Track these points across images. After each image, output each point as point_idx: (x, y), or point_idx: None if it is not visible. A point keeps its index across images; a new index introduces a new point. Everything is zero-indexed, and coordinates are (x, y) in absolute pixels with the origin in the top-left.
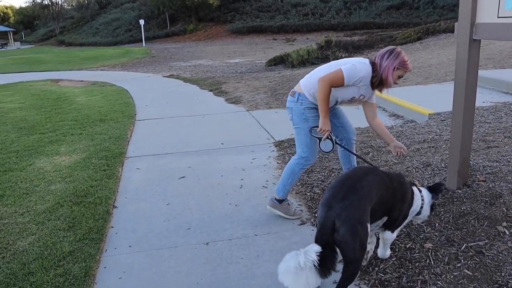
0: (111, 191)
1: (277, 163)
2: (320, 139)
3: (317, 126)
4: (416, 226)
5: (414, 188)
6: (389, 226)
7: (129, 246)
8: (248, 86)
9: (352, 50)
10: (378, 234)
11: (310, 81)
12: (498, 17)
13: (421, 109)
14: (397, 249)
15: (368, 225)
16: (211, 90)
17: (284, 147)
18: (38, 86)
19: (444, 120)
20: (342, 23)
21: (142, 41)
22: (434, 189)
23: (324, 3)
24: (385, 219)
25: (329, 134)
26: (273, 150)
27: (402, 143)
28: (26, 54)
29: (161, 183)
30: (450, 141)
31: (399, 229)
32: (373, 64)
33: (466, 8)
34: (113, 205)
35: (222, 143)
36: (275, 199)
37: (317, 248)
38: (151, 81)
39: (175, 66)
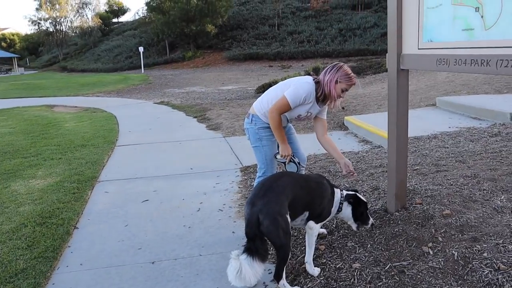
0: (76, 213)
1: (239, 187)
2: (284, 163)
3: (278, 153)
4: (350, 247)
5: (337, 189)
6: (313, 219)
7: (80, 264)
8: (230, 113)
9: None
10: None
11: (262, 101)
12: (418, 48)
13: (387, 135)
14: (327, 269)
15: (288, 217)
16: (195, 117)
17: (249, 172)
18: (32, 112)
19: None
20: (337, 50)
21: (141, 68)
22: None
23: (320, 31)
24: (307, 213)
25: (292, 157)
26: (238, 175)
27: (359, 168)
28: (27, 80)
29: (124, 206)
30: (388, 166)
31: (323, 222)
32: (317, 81)
33: (393, 40)
34: (75, 226)
35: (191, 168)
36: None
37: (234, 253)
38: (141, 108)
39: (168, 93)
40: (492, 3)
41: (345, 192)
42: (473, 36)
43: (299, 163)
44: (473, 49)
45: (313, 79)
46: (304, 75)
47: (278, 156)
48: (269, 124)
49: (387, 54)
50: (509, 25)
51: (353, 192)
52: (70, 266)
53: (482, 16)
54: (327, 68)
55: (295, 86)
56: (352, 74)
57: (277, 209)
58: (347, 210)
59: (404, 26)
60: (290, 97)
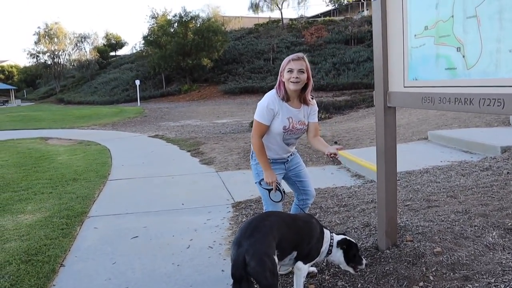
0: (63, 249)
1: (230, 224)
2: (269, 190)
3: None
4: (340, 286)
5: (326, 230)
6: (302, 259)
7: None
8: (224, 147)
9: (333, 110)
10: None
11: None
12: (404, 86)
13: None
14: None
15: (275, 257)
16: (189, 151)
17: (241, 208)
18: (26, 144)
19: (399, 180)
20: (331, 83)
21: (137, 101)
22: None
23: (314, 65)
24: (295, 253)
25: (277, 185)
26: (229, 211)
27: (350, 203)
28: (24, 112)
29: (113, 243)
30: (377, 203)
31: (311, 263)
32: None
33: (379, 78)
34: (61, 264)
35: (183, 204)
36: None
37: None
38: (135, 141)
39: (163, 126)
40: (472, 43)
41: (334, 235)
42: (456, 75)
43: (284, 191)
44: (456, 87)
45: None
46: None
47: (263, 183)
48: (268, 159)
49: (374, 91)
50: (490, 64)
51: (343, 236)
52: None
53: (463, 56)
54: None
55: (258, 104)
56: (289, 56)
57: (264, 249)
58: (337, 253)
59: (390, 65)
60: (258, 115)
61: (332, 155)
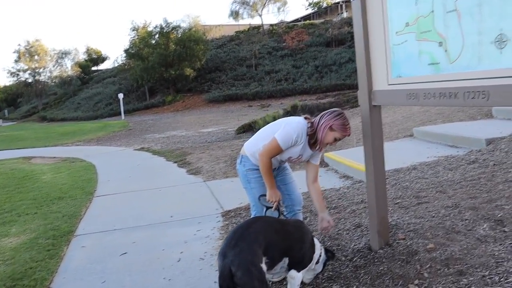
0: (50, 271)
1: (220, 233)
2: (267, 208)
3: (265, 195)
4: None
5: (315, 238)
6: (295, 266)
7: None
8: (211, 155)
9: (318, 113)
10: None
11: (252, 142)
12: (388, 84)
13: None
14: None
15: (262, 265)
16: (175, 162)
17: (230, 216)
18: (8, 165)
19: (387, 178)
20: (314, 86)
21: (121, 114)
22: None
23: (296, 69)
24: (286, 260)
25: (278, 205)
26: (219, 221)
27: (341, 205)
28: (5, 132)
29: (102, 261)
30: (368, 202)
31: (304, 270)
32: (310, 122)
33: (363, 77)
34: (49, 286)
35: (172, 216)
36: None
37: None
38: (120, 155)
39: (148, 138)
40: (454, 37)
41: (323, 250)
42: (440, 70)
43: (283, 212)
44: (440, 82)
45: (306, 120)
46: (283, 113)
47: (262, 199)
48: (258, 166)
49: (358, 91)
50: (472, 57)
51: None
52: None
53: (446, 50)
54: (325, 112)
55: (286, 127)
56: (349, 125)
57: (250, 259)
58: (321, 264)
59: (372, 64)
60: (281, 139)
61: (324, 231)
